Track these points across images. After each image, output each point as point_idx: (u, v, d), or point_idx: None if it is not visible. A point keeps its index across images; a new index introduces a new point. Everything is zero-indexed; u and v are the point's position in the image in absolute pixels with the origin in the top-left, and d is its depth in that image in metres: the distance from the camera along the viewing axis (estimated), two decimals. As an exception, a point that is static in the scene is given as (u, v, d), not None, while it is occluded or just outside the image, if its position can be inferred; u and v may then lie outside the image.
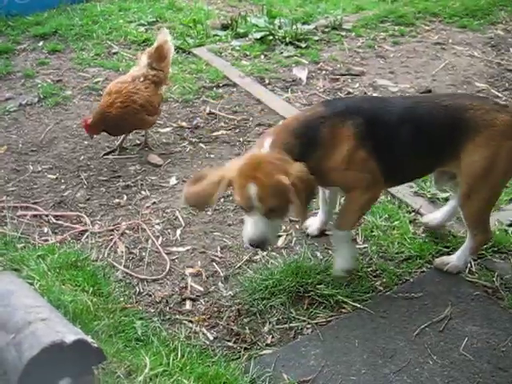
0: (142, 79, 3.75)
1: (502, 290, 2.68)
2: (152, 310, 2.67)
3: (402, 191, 3.29)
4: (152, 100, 3.76)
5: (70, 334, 1.56)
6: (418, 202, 3.23)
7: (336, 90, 4.51)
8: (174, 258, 3.00)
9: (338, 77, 4.73)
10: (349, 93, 4.47)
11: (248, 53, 5.13)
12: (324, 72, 4.83)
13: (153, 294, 2.78)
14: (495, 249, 2.90)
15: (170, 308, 2.70)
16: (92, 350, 1.58)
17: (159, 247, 3.05)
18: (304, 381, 2.26)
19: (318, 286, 2.67)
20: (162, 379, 2.11)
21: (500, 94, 4.48)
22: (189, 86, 4.59)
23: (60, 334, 1.54)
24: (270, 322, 2.58)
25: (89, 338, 1.59)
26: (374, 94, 4.45)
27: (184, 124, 4.16)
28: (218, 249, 3.03)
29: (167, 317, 2.65)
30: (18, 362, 1.51)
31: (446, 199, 3.23)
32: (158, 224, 3.23)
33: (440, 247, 2.92)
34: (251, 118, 4.17)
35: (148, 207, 3.35)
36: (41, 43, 5.43)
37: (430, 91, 4.49)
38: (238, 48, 5.21)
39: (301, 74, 4.73)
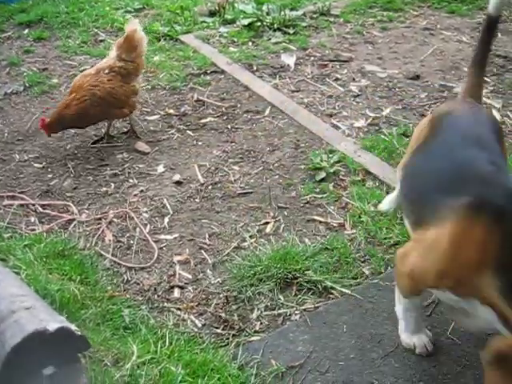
0: (106, 71, 3.68)
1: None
2: (140, 298, 2.66)
3: (390, 176, 3.29)
4: (115, 92, 3.66)
5: (54, 322, 1.55)
6: (406, 187, 3.22)
7: (324, 76, 4.49)
8: (162, 245, 2.99)
9: (326, 63, 4.71)
10: (337, 79, 4.45)
11: (236, 39, 5.10)
12: (312, 58, 4.81)
13: (141, 282, 2.77)
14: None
15: (158, 296, 2.69)
16: (76, 338, 1.57)
17: (147, 235, 3.03)
18: (292, 366, 2.26)
19: (306, 272, 2.66)
20: (149, 367, 2.11)
21: (488, 80, 4.47)
22: (176, 74, 4.55)
23: (43, 322, 1.53)
24: (258, 309, 2.58)
25: (72, 326, 1.58)
26: (363, 80, 4.44)
27: (171, 111, 4.14)
28: (207, 236, 3.02)
29: (155, 305, 2.64)
30: (1, 350, 1.51)
31: (434, 184, 3.24)
32: (146, 212, 3.22)
33: (428, 232, 2.92)
34: (239, 105, 4.15)
35: (136, 195, 3.33)
36: (26, 31, 5.37)
37: (418, 77, 4.48)
38: (225, 35, 5.17)
39: (289, 60, 4.71)
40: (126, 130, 3.95)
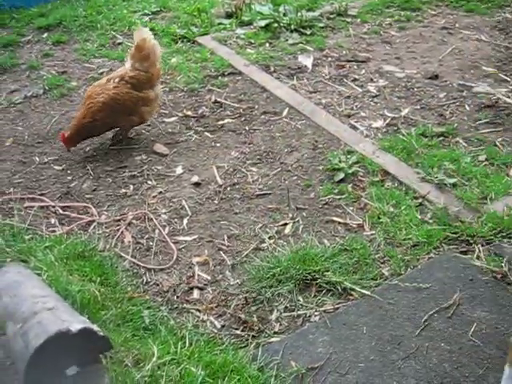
0: (117, 80, 3.68)
1: (511, 275, 2.66)
2: (159, 300, 2.68)
3: (409, 177, 3.27)
4: (119, 98, 3.63)
5: (76, 322, 1.56)
6: (426, 187, 3.20)
7: (342, 77, 4.48)
8: (181, 247, 3.00)
9: (343, 63, 4.69)
10: (354, 79, 4.44)
11: (253, 41, 5.10)
12: (329, 59, 4.80)
13: (160, 284, 2.78)
14: (504, 234, 2.87)
15: (177, 297, 2.70)
16: (98, 339, 1.58)
17: (166, 236, 3.04)
18: (312, 368, 2.26)
19: (325, 273, 2.66)
20: (169, 368, 2.11)
21: (508, 78, 4.43)
22: (194, 75, 4.57)
23: (66, 323, 1.54)
24: (277, 310, 2.57)
25: (95, 327, 1.59)
26: (380, 81, 4.41)
27: (189, 113, 4.15)
28: (225, 237, 3.03)
29: (175, 306, 2.65)
30: (25, 351, 1.52)
31: (454, 185, 3.21)
32: (165, 213, 3.23)
33: (448, 233, 2.90)
34: (256, 106, 4.15)
35: (154, 197, 3.35)
36: (45, 35, 5.43)
37: (436, 76, 4.45)
38: (242, 36, 5.18)
39: (306, 61, 4.70)
40: (144, 132, 3.97)
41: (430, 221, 3.01)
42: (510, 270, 2.68)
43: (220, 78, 4.55)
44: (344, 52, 4.89)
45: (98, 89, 3.67)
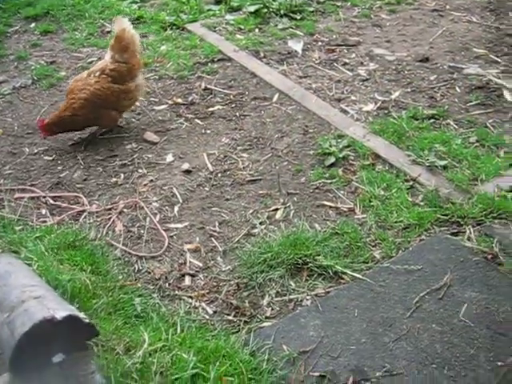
0: (97, 73, 3.63)
1: (502, 255, 2.66)
2: (151, 287, 2.67)
3: (400, 160, 3.26)
4: (100, 93, 3.60)
5: (62, 310, 1.55)
6: (416, 170, 3.20)
7: (332, 61, 4.45)
8: (172, 234, 3.00)
9: (333, 47, 4.67)
10: (345, 63, 4.42)
11: (242, 26, 5.07)
12: (320, 43, 4.77)
13: (152, 271, 2.78)
14: (494, 215, 2.87)
15: (169, 284, 2.70)
16: (84, 326, 1.58)
17: (157, 224, 3.04)
18: (304, 351, 2.26)
19: (316, 258, 2.65)
20: (161, 354, 2.11)
21: (499, 59, 4.42)
22: (183, 63, 4.54)
23: (51, 311, 1.54)
24: (269, 295, 2.58)
25: (80, 314, 1.59)
26: (371, 64, 4.39)
27: (179, 100, 4.13)
28: (216, 224, 3.02)
29: (166, 293, 2.65)
30: (11, 339, 1.52)
31: (445, 167, 3.21)
32: (156, 201, 3.22)
33: (439, 215, 2.90)
34: (247, 92, 4.13)
35: (145, 185, 3.34)
36: (33, 25, 5.38)
37: (427, 59, 4.43)
38: (232, 22, 5.14)
39: (296, 46, 4.68)
40: (134, 120, 3.95)
41: (421, 203, 3.01)
42: (500, 251, 2.69)
43: (210, 64, 4.53)
44: (334, 36, 4.86)
45: (80, 83, 3.63)
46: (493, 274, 2.59)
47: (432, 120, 3.67)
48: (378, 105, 3.88)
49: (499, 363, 2.22)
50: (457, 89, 4.04)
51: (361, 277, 2.58)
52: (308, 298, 2.53)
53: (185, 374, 2.02)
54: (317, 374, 2.18)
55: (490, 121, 3.68)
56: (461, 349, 2.27)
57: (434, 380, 2.16)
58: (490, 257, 2.67)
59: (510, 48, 4.60)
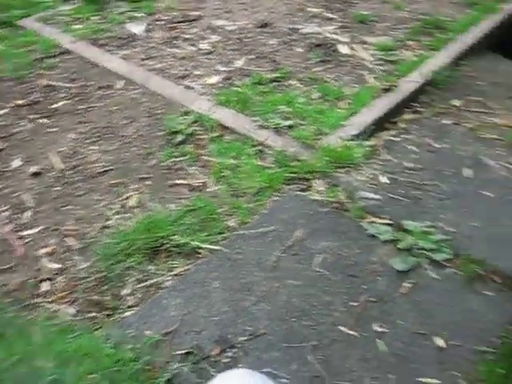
0: None
1: (347, 202, 2.78)
2: (7, 300, 2.55)
3: (247, 127, 3.31)
4: None
5: None
6: (263, 134, 3.25)
7: (173, 39, 4.41)
8: (26, 241, 2.87)
9: (175, 25, 4.62)
10: (186, 39, 4.38)
11: (79, 16, 4.88)
12: (161, 23, 4.70)
13: (7, 284, 2.65)
14: (339, 164, 3.00)
15: (26, 293, 2.59)
16: None
17: (8, 234, 2.89)
18: (167, 332, 2.26)
19: (172, 237, 2.64)
20: (16, 368, 2.03)
21: (334, 16, 4.57)
22: (20, 61, 4.31)
23: None
24: (130, 284, 2.54)
25: None
26: (213, 37, 4.39)
27: (20, 102, 3.92)
28: (72, 222, 2.93)
29: (26, 303, 2.54)
30: None
31: (290, 126, 3.29)
32: (5, 211, 3.06)
33: (287, 173, 2.97)
34: (90, 83, 4.00)
35: (-9, 196, 3.16)
36: None
37: (266, 24, 4.49)
38: (67, 13, 4.93)
39: (136, 28, 4.58)
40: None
41: (273, 165, 3.07)
42: (346, 198, 2.81)
43: (49, 59, 4.32)
44: (175, 13, 4.80)
45: None
46: (341, 221, 2.71)
47: (275, 83, 3.74)
48: (223, 76, 3.89)
49: (354, 303, 2.34)
50: (297, 49, 4.14)
51: (217, 248, 2.61)
52: (168, 278, 2.52)
53: (39, 382, 1.96)
54: (182, 351, 2.19)
55: (331, 76, 3.81)
56: (317, 298, 2.36)
57: (294, 332, 2.23)
58: (337, 206, 2.79)
59: (343, 4, 4.77)
